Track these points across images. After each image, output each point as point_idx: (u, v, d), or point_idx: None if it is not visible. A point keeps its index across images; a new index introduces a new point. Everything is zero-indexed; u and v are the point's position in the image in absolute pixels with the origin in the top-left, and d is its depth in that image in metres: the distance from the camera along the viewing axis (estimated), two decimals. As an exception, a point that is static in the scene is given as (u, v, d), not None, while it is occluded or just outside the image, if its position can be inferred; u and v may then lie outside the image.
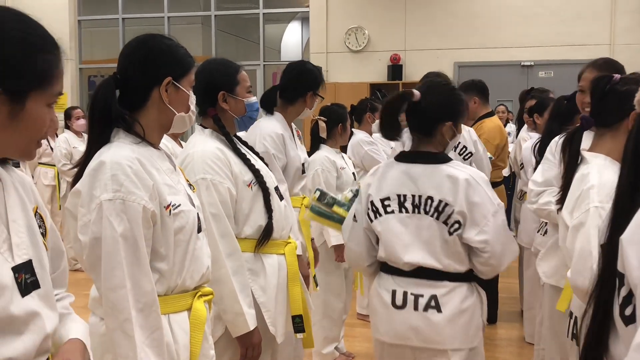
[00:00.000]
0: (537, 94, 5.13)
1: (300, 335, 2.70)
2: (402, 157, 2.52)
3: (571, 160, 2.28)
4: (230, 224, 2.43)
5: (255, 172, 2.52)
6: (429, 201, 2.40)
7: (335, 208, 3.24)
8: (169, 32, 11.21)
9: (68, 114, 7.33)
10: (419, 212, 2.42)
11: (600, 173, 2.09)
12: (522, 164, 4.56)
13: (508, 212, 5.97)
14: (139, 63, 1.92)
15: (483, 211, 2.36)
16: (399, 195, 2.45)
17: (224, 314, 2.42)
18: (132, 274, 1.77)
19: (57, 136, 7.30)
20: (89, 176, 1.82)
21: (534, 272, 3.42)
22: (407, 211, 2.45)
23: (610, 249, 1.13)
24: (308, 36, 11.95)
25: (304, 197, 3.50)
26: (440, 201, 2.38)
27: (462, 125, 2.61)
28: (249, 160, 2.54)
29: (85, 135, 7.63)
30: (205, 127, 2.58)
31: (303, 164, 3.41)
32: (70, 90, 11.18)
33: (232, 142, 2.54)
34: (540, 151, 3.63)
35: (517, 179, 5.16)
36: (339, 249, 4.13)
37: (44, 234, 1.44)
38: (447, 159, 2.46)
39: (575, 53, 9.32)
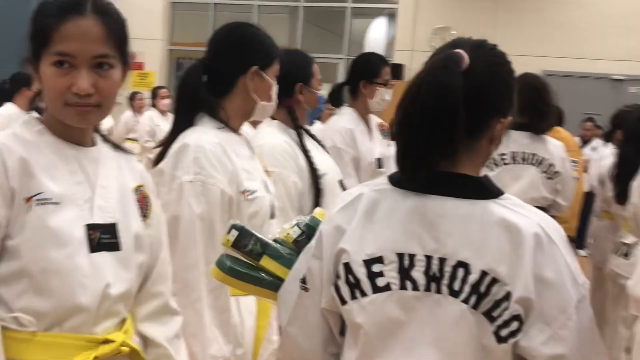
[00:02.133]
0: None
1: None
2: (405, 180, 1.31)
3: None
4: (294, 215, 2.46)
5: (313, 171, 2.51)
6: (461, 271, 1.24)
7: (265, 261, 1.49)
8: (258, 21, 11.39)
9: (154, 93, 7.58)
10: (438, 291, 1.26)
11: None
12: (602, 180, 4.42)
13: (582, 230, 5.78)
14: (227, 50, 1.98)
15: (560, 299, 1.24)
16: (400, 256, 1.27)
17: None
18: (206, 255, 1.84)
19: (142, 113, 7.57)
20: (172, 157, 1.90)
21: (604, 292, 3.32)
22: (415, 287, 1.26)
23: None
24: (393, 33, 11.90)
25: None
26: (484, 274, 1.22)
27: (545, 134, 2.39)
28: (310, 157, 2.54)
29: (170, 115, 7.92)
30: (274, 119, 2.58)
31: (380, 159, 3.36)
32: (158, 70, 11.52)
33: (301, 136, 2.57)
34: (616, 179, 3.51)
35: (596, 195, 5.01)
36: None
37: (146, 215, 1.50)
38: (495, 191, 1.30)
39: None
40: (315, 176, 2.49)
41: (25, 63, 1.38)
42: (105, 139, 1.50)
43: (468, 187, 1.28)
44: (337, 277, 1.30)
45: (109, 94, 1.36)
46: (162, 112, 7.54)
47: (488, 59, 1.27)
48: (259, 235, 1.50)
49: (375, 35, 13.96)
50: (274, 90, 2.05)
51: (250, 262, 1.49)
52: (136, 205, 1.48)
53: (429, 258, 1.25)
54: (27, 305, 1.31)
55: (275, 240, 1.51)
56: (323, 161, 2.59)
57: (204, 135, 1.91)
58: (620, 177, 3.46)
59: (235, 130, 2.01)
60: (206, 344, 1.82)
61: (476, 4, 9.93)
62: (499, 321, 1.22)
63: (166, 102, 7.58)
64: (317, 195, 2.50)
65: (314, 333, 1.37)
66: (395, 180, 1.32)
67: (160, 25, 11.56)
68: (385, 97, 3.32)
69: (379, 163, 3.36)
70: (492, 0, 9.87)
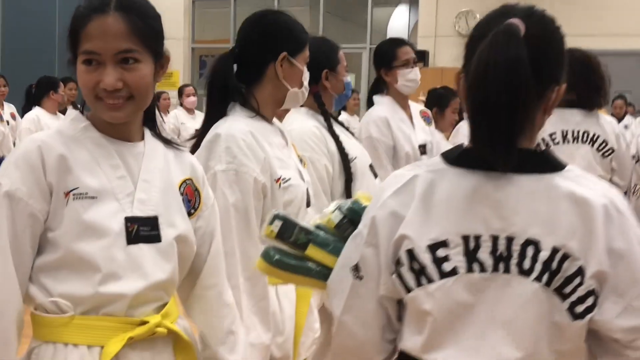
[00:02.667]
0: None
1: None
2: (464, 160, 1.27)
3: None
4: (326, 199, 2.46)
5: (343, 155, 2.51)
6: (531, 249, 1.21)
7: (312, 250, 1.44)
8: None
9: (180, 91, 7.63)
10: (507, 271, 1.22)
11: None
12: (638, 157, 4.32)
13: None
14: (256, 38, 1.98)
15: (633, 270, 1.21)
16: (465, 238, 1.23)
17: None
18: (241, 243, 1.84)
19: (168, 112, 7.61)
20: (205, 148, 1.90)
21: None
22: (482, 268, 1.23)
23: None
24: (415, 20, 11.82)
25: None
26: (555, 250, 1.20)
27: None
28: (340, 141, 2.54)
29: (197, 112, 7.97)
30: (301, 105, 2.53)
31: (424, 145, 3.32)
32: (182, 69, 11.58)
33: (329, 121, 2.56)
34: None
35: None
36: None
37: (195, 207, 1.53)
38: (559, 164, 1.26)
39: None
40: (345, 160, 2.49)
41: (68, 64, 1.43)
42: (157, 133, 1.53)
43: (533, 162, 1.23)
44: (399, 264, 1.25)
45: (139, 86, 1.38)
46: (189, 110, 7.58)
47: (542, 26, 1.22)
48: (303, 224, 1.46)
49: (397, 23, 13.90)
50: (305, 76, 2.04)
51: (296, 252, 1.45)
52: (182, 199, 1.50)
53: (495, 238, 1.21)
54: (66, 292, 1.36)
55: (316, 227, 1.47)
56: (352, 146, 2.58)
57: (235, 124, 1.91)
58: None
59: (268, 118, 2.01)
60: (244, 332, 1.82)
61: (499, -15, 9.81)
62: (573, 297, 1.18)
63: (192, 100, 7.62)
64: (348, 180, 2.49)
65: (371, 321, 1.32)
66: (452, 159, 1.27)
67: (182, 24, 11.60)
68: (410, 76, 3.24)
69: (424, 150, 3.33)
70: (515, -19, 9.74)
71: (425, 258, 1.23)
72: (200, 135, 1.97)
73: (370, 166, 2.65)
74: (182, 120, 7.45)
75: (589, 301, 1.18)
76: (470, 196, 1.22)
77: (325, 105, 2.55)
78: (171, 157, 1.52)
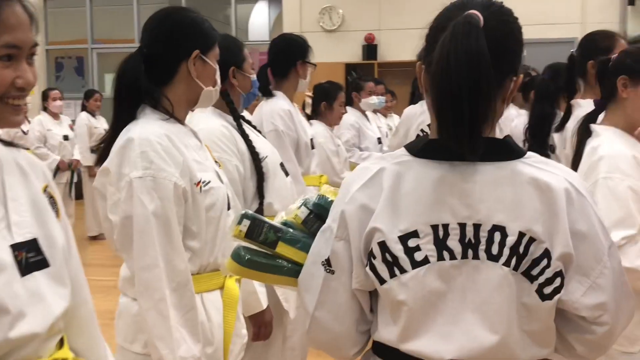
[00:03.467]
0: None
1: None
2: (429, 151, 1.29)
3: (582, 138, 2.29)
4: (239, 201, 2.40)
5: (254, 155, 2.47)
6: (498, 235, 1.24)
7: (281, 247, 1.43)
8: (137, 13, 11.02)
9: (45, 95, 7.17)
10: (476, 257, 1.24)
11: (609, 144, 2.11)
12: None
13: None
14: (165, 37, 1.88)
15: (595, 249, 1.26)
16: (434, 227, 1.25)
17: None
18: (165, 252, 1.74)
19: (29, 121, 7.13)
20: (117, 154, 1.78)
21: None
22: (452, 256, 1.25)
23: None
24: (275, 15, 11.85)
25: (321, 176, 3.47)
26: (521, 235, 1.22)
27: None
28: (250, 141, 2.50)
29: (62, 117, 7.54)
30: None
31: (311, 139, 3.38)
32: (38, 72, 10.91)
33: (238, 120, 2.50)
34: (532, 134, 3.66)
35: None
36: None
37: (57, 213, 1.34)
38: (520, 150, 1.29)
39: (548, 32, 9.41)
40: (257, 160, 2.44)
41: None
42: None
43: (495, 150, 1.25)
44: (373, 257, 1.26)
45: (33, 85, 1.22)
46: (54, 115, 7.15)
47: (500, 18, 1.24)
48: (271, 222, 1.43)
49: (258, 19, 13.90)
50: (218, 74, 1.97)
51: (266, 250, 1.43)
52: (49, 208, 1.31)
53: (463, 226, 1.23)
54: None
55: (283, 224, 1.45)
56: (262, 145, 2.53)
57: (148, 127, 1.80)
58: (535, 134, 3.60)
59: (180, 120, 1.92)
60: (174, 346, 1.73)
61: (359, -19, 10.04)
62: (541, 279, 1.22)
63: (59, 104, 7.18)
64: (260, 180, 2.44)
65: (345, 315, 1.33)
66: (417, 151, 1.28)
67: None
68: (309, 77, 3.35)
69: (312, 144, 3.36)
70: (375, -23, 10.01)
71: (398, 249, 1.24)
72: (109, 140, 1.85)
73: (281, 164, 2.61)
74: (48, 126, 7.01)
75: (557, 282, 1.22)
76: (436, 186, 1.24)
77: (234, 104, 2.48)
78: (24, 163, 1.30)
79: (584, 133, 2.27)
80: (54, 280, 1.25)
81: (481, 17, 1.18)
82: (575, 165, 2.25)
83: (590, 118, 2.30)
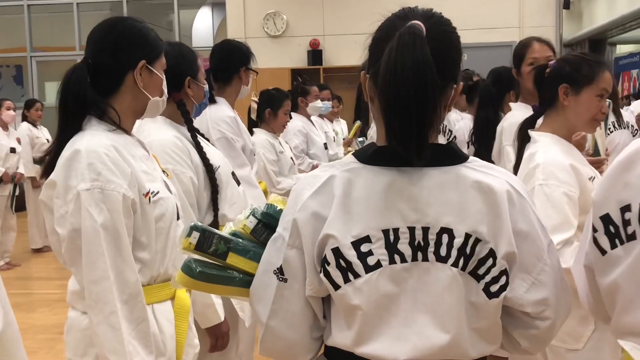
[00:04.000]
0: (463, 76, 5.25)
1: None
2: (377, 158, 1.32)
3: (522, 144, 2.35)
4: (194, 213, 2.40)
5: (208, 166, 2.46)
6: (445, 237, 1.28)
7: (232, 258, 1.43)
8: (78, 19, 10.83)
9: (-5, 104, 7.00)
10: (425, 259, 1.29)
11: (546, 152, 2.17)
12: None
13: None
14: (111, 47, 1.86)
15: (536, 247, 1.32)
16: (385, 231, 1.28)
17: (192, 305, 2.39)
18: (115, 265, 1.73)
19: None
20: (63, 166, 1.76)
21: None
22: (403, 259, 1.29)
23: None
24: (219, 21, 11.81)
25: (260, 182, 3.47)
26: (468, 236, 1.27)
27: None
28: (203, 152, 2.48)
29: (11, 130, 7.33)
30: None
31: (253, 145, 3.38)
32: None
33: (192, 130, 2.49)
34: (477, 139, 3.75)
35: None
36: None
37: None
38: (463, 155, 1.34)
39: (488, 36, 9.64)
40: (210, 171, 2.43)
41: None
42: None
43: (440, 155, 1.30)
44: (326, 263, 1.28)
45: None
46: (3, 126, 6.98)
47: (440, 28, 1.28)
48: (221, 233, 1.42)
49: (202, 25, 13.82)
50: (164, 84, 1.96)
51: (217, 262, 1.42)
52: None
53: (412, 229, 1.27)
54: None
55: (232, 234, 1.45)
56: (214, 155, 2.53)
57: (95, 138, 1.78)
58: (480, 139, 3.68)
59: (126, 130, 1.90)
60: (127, 358, 1.72)
61: (302, -13, 10.08)
62: (487, 278, 1.27)
63: (12, 114, 7.03)
64: (214, 191, 2.44)
65: (299, 322, 1.35)
66: (366, 158, 1.32)
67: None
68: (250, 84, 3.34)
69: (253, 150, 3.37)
70: (318, -17, 10.07)
71: (351, 255, 1.27)
72: (54, 152, 1.82)
73: (233, 174, 2.61)
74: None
75: (502, 280, 1.28)
76: (386, 192, 1.28)
77: (189, 114, 2.47)
78: None
79: (523, 138, 2.33)
80: None
81: (424, 27, 1.22)
82: (516, 169, 2.31)
83: (529, 123, 2.36)
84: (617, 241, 1.27)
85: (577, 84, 2.22)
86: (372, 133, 3.21)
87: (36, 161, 7.61)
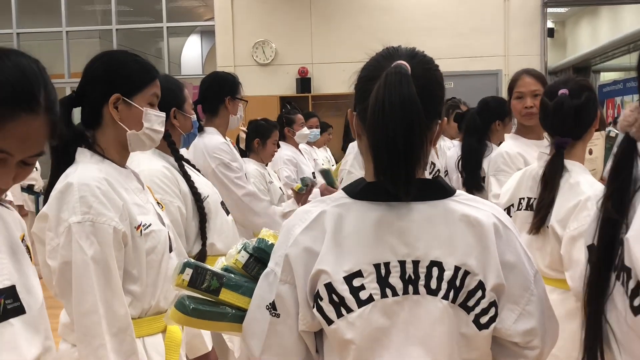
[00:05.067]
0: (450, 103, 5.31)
1: None
2: (367, 193, 1.35)
3: (557, 179, 2.27)
4: (182, 242, 2.41)
5: (196, 195, 2.48)
6: (435, 270, 1.30)
7: (225, 294, 1.45)
8: (67, 47, 10.87)
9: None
10: (416, 292, 1.30)
11: (589, 183, 2.19)
12: (446, 171, 4.67)
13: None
14: (91, 79, 1.90)
15: (523, 278, 1.34)
16: (377, 266, 1.30)
17: None
18: (104, 298, 1.74)
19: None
20: (55, 199, 1.77)
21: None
22: (394, 292, 1.30)
23: (603, 248, 1.23)
24: (208, 49, 11.87)
25: None
26: (457, 268, 1.29)
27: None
28: (192, 181, 2.51)
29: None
30: None
31: (245, 174, 3.42)
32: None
33: (180, 160, 2.51)
34: (465, 167, 3.79)
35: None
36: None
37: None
38: (450, 189, 1.37)
39: (473, 64, 9.77)
40: (198, 200, 2.45)
41: None
42: None
43: (428, 189, 1.32)
44: (319, 298, 1.29)
45: None
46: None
47: (424, 66, 1.32)
48: (213, 269, 1.44)
49: (191, 53, 13.90)
50: (148, 117, 1.94)
51: (209, 298, 1.44)
52: (27, 256, 1.35)
53: (402, 263, 1.29)
54: None
55: (224, 269, 1.47)
56: (203, 184, 2.55)
57: (87, 172, 1.80)
58: (466, 166, 3.73)
59: (119, 162, 1.92)
60: None
61: (291, 17, 10.18)
62: (477, 310, 1.29)
63: None
64: (202, 220, 2.46)
65: (292, 357, 1.35)
66: (355, 194, 1.34)
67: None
68: (241, 113, 3.37)
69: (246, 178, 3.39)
70: (306, 11, 10.17)
71: (343, 289, 1.28)
72: (49, 184, 1.84)
73: (222, 203, 2.63)
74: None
75: (492, 312, 1.30)
76: (376, 226, 1.30)
77: (175, 144, 2.50)
78: (2, 211, 1.35)
79: (555, 171, 2.27)
80: (28, 328, 1.27)
81: (409, 66, 1.26)
82: (551, 201, 2.25)
83: (560, 157, 2.30)
84: None
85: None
86: (349, 167, 3.20)
87: (24, 189, 7.58)
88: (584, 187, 2.17)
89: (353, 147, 3.15)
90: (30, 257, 1.39)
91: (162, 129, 2.00)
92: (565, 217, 2.18)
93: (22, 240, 1.37)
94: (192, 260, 1.46)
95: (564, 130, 2.28)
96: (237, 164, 3.23)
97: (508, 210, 2.50)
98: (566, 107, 2.25)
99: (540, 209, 2.28)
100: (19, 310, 1.27)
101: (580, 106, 2.25)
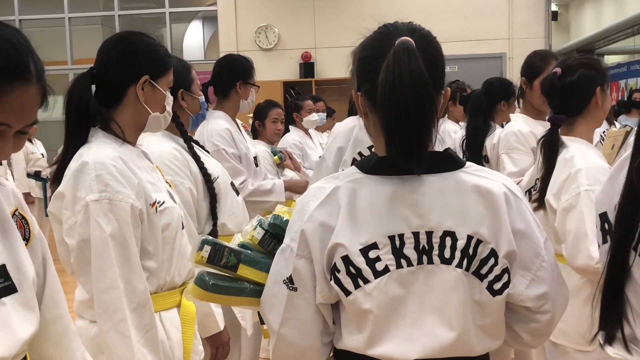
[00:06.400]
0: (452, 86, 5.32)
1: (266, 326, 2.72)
2: (380, 168, 1.37)
3: (552, 154, 2.31)
4: (193, 223, 2.43)
5: (206, 176, 2.51)
6: (449, 240, 1.34)
7: (243, 269, 1.47)
8: (69, 34, 10.87)
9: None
10: (430, 262, 1.34)
11: (584, 157, 2.19)
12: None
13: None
14: (116, 59, 1.90)
15: (533, 245, 1.38)
16: (391, 237, 1.33)
17: None
18: (123, 274, 1.76)
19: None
20: (72, 178, 1.79)
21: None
22: (409, 263, 1.34)
23: (624, 221, 1.23)
24: (210, 35, 11.85)
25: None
26: (470, 238, 1.33)
27: None
28: (201, 162, 2.53)
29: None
30: None
31: (255, 157, 3.42)
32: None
33: (189, 142, 2.53)
34: (469, 147, 3.81)
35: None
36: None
37: (27, 238, 1.38)
38: (461, 161, 1.40)
39: (477, 47, 9.76)
40: (209, 181, 2.47)
41: None
42: None
43: (439, 162, 1.36)
44: (337, 270, 1.33)
45: None
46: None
47: (425, 40, 1.35)
48: (231, 246, 1.47)
49: (193, 39, 13.88)
50: (168, 101, 1.99)
51: (228, 274, 1.47)
52: (18, 232, 1.33)
53: (416, 234, 1.33)
54: None
55: (241, 245, 1.50)
56: (212, 165, 2.57)
57: (102, 150, 1.82)
58: (470, 146, 3.76)
59: (131, 142, 1.94)
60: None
61: (294, 1, 10.17)
62: (490, 277, 1.33)
63: None
64: (213, 201, 2.48)
65: (310, 329, 1.40)
66: (368, 169, 1.37)
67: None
68: (252, 98, 3.37)
69: (256, 162, 3.39)
70: (309, -4, 10.16)
71: (360, 261, 1.32)
72: (62, 162, 1.85)
73: (232, 184, 2.65)
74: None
75: (505, 278, 1.34)
76: (390, 200, 1.34)
77: (184, 125, 2.51)
78: None
79: (551, 146, 2.30)
80: (21, 306, 1.27)
81: (413, 42, 1.28)
82: (546, 177, 2.28)
83: (554, 133, 2.32)
84: (607, 238, 1.34)
85: (604, 85, 2.27)
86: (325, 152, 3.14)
87: (30, 175, 7.61)
88: (576, 160, 2.19)
89: (336, 132, 3.05)
90: (25, 231, 1.37)
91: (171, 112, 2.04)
92: (558, 190, 2.20)
93: (15, 213, 1.34)
94: (210, 238, 1.48)
95: (555, 107, 2.33)
96: (234, 151, 3.23)
97: (529, 192, 2.52)
98: (554, 85, 2.30)
99: (540, 185, 2.32)
100: (10, 289, 1.26)
101: (571, 84, 2.27)
